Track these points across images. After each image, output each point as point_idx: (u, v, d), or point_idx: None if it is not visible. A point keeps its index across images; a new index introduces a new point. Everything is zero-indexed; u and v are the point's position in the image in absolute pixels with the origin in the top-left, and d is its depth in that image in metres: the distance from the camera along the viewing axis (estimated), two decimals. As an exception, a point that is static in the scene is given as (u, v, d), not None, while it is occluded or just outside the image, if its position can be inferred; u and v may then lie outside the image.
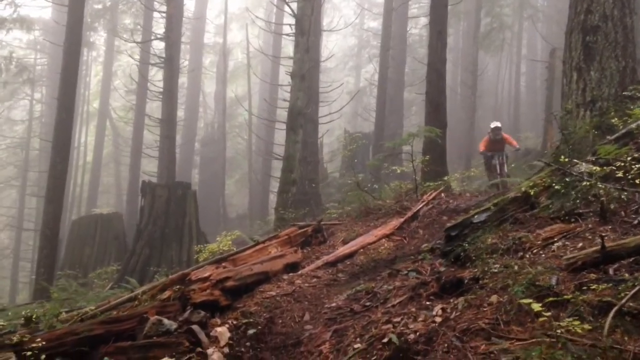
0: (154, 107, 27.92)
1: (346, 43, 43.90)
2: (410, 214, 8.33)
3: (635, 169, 4.84)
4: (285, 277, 6.29)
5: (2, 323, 5.74)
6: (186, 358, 4.12)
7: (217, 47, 37.59)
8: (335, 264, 6.82)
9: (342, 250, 7.31)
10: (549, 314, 2.97)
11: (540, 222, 5.16)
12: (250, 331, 4.68)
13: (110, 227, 16.22)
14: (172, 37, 18.84)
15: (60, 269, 14.39)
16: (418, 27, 31.65)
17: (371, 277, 5.76)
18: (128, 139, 30.53)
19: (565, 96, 8.12)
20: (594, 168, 5.17)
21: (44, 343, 4.24)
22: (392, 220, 8.34)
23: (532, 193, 5.69)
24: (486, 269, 4.31)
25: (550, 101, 17.55)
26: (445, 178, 11.47)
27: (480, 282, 4.17)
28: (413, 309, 4.23)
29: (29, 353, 4.08)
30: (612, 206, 4.75)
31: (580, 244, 4.27)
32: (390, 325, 4.00)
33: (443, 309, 3.98)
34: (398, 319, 4.09)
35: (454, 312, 3.84)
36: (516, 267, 4.07)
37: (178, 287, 5.92)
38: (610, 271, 3.64)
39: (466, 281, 4.33)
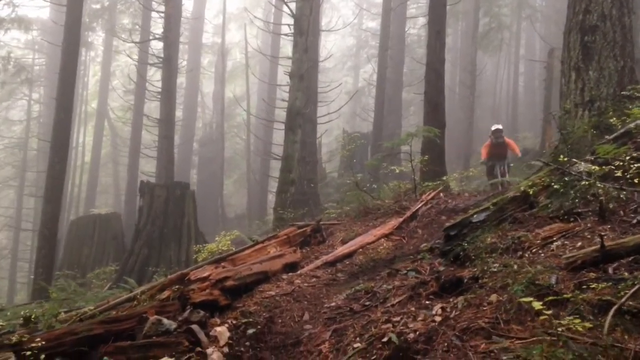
0: (152, 107, 27.91)
1: (345, 43, 43.93)
2: (409, 213, 8.33)
3: (634, 168, 4.84)
4: (284, 276, 6.29)
5: (1, 323, 5.73)
6: (186, 357, 4.11)
7: (216, 47, 37.57)
8: (335, 264, 6.82)
9: (341, 250, 7.31)
10: (549, 312, 2.97)
11: (539, 221, 5.16)
12: (250, 331, 4.67)
13: (108, 227, 16.20)
14: (170, 37, 18.84)
15: (59, 269, 14.36)
16: (416, 27, 31.72)
17: (370, 277, 5.76)
18: (126, 139, 30.51)
19: (563, 96, 8.13)
20: (593, 167, 5.17)
21: (43, 343, 4.23)
22: (391, 220, 8.35)
23: (531, 192, 5.70)
24: (485, 268, 4.31)
25: (548, 101, 17.59)
26: (444, 178, 11.49)
27: (480, 281, 4.17)
28: (412, 309, 4.23)
29: (28, 353, 4.07)
30: (611, 205, 4.76)
31: (580, 243, 4.28)
32: (389, 325, 4.00)
33: (443, 308, 3.98)
34: (397, 319, 4.09)
35: (453, 312, 3.84)
36: (515, 267, 4.07)
37: (177, 287, 5.91)
38: (610, 270, 3.64)
39: (466, 280, 4.33)
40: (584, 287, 3.41)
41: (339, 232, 8.70)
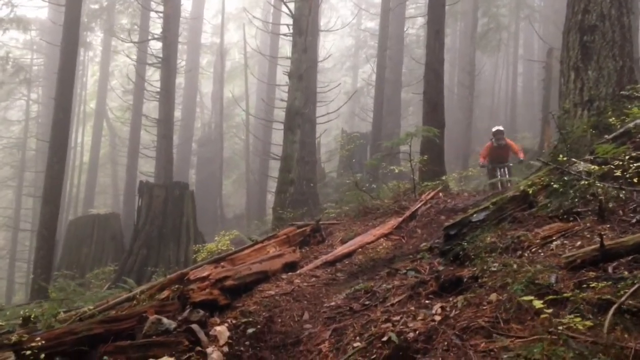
0: (151, 107, 27.90)
1: (343, 43, 43.93)
2: (408, 213, 8.34)
3: (633, 167, 4.85)
4: (284, 276, 6.29)
5: (0, 323, 5.73)
6: (185, 357, 4.11)
7: (215, 47, 37.58)
8: (334, 264, 6.82)
9: (341, 249, 7.31)
10: (549, 311, 2.97)
11: (538, 221, 5.17)
12: (250, 330, 4.67)
13: (107, 227, 16.19)
14: (169, 37, 18.83)
15: (57, 270, 14.35)
16: (415, 27, 31.76)
17: (370, 277, 5.76)
18: (125, 139, 30.49)
19: (562, 96, 8.13)
20: (592, 167, 5.18)
21: (43, 342, 4.23)
22: (390, 219, 8.35)
23: (530, 192, 5.70)
24: (485, 267, 4.31)
25: (547, 101, 17.60)
26: (443, 178, 11.49)
27: (480, 280, 4.17)
28: (412, 308, 4.23)
29: (28, 352, 4.06)
30: (610, 205, 4.77)
31: (579, 243, 4.28)
32: (389, 324, 4.00)
33: (442, 308, 3.98)
34: (397, 318, 4.09)
35: (453, 311, 3.84)
36: (515, 266, 4.07)
37: (177, 286, 5.91)
38: (610, 269, 3.65)
39: (465, 280, 4.33)
40: (584, 286, 3.41)
41: (338, 232, 8.70)
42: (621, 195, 4.86)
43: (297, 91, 12.73)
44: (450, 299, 4.12)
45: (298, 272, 6.53)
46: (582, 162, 5.51)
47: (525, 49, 35.60)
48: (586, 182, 5.02)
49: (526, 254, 4.44)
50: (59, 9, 19.22)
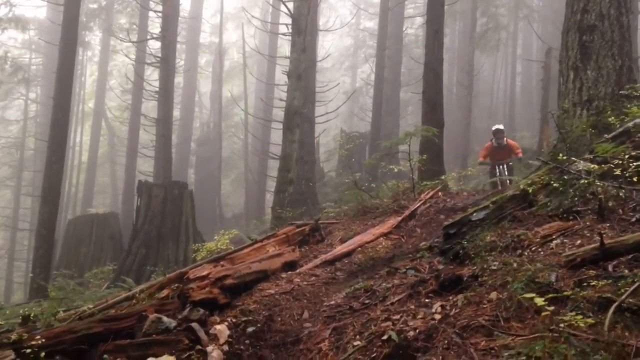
0: (150, 107, 27.87)
1: (342, 43, 43.94)
2: (407, 212, 8.33)
3: (633, 166, 4.86)
4: (283, 275, 6.28)
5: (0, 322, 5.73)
6: (186, 356, 4.11)
7: (213, 46, 37.59)
8: (334, 263, 6.81)
9: (340, 248, 7.31)
10: (551, 308, 2.98)
11: (538, 219, 5.17)
12: (250, 329, 4.67)
13: (106, 226, 16.19)
14: (167, 36, 18.82)
15: (56, 269, 14.34)
16: (414, 27, 31.77)
17: (370, 276, 5.76)
18: (124, 139, 30.47)
19: (562, 95, 8.14)
20: (592, 166, 5.18)
21: (43, 341, 4.22)
22: (389, 219, 8.34)
23: (530, 191, 5.70)
24: (485, 266, 4.31)
25: (546, 101, 17.61)
26: (443, 177, 11.49)
27: (480, 279, 4.17)
28: (412, 307, 4.23)
29: (28, 351, 4.06)
30: (610, 204, 4.77)
31: (579, 241, 4.28)
32: (389, 323, 4.00)
33: (442, 306, 3.97)
34: (397, 317, 4.09)
35: (453, 309, 3.84)
36: (515, 265, 4.07)
37: (176, 285, 5.90)
38: (610, 268, 3.65)
39: (465, 278, 4.33)
40: (584, 284, 3.42)
41: (337, 231, 8.69)
42: (621, 194, 4.86)
43: (296, 91, 12.73)
44: (450, 297, 4.12)
45: (298, 271, 6.53)
46: (581, 161, 5.51)
47: (524, 49, 35.66)
48: (586, 181, 5.02)
49: (526, 253, 4.44)
50: (57, 9, 19.21)
